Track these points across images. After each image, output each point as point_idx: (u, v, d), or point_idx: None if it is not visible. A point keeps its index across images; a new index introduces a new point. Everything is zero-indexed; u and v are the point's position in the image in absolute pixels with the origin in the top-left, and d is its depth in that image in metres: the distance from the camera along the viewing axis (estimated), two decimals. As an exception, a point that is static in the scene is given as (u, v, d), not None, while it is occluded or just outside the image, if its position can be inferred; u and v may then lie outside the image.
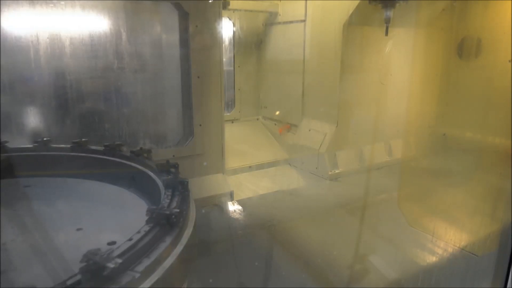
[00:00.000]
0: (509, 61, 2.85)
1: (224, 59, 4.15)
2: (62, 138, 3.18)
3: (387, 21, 3.50)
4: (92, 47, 3.30)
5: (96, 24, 3.29)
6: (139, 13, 3.49)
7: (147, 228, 1.59)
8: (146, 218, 1.68)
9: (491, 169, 2.82)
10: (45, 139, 2.65)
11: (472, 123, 3.81)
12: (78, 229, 1.88)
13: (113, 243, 1.72)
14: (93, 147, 2.62)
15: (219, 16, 3.80)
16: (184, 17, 3.60)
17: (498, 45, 3.27)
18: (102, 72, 3.39)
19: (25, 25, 3.03)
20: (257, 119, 5.86)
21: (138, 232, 1.55)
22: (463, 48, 3.73)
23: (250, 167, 4.76)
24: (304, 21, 4.89)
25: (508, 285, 1.97)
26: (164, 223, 1.65)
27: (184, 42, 3.67)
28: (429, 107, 5.02)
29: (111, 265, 1.33)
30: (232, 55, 5.54)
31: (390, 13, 3.25)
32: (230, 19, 5.25)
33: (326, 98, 4.78)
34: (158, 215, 1.66)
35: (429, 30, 4.70)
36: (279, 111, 5.51)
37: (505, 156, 2.87)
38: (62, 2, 3.12)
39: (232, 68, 5.57)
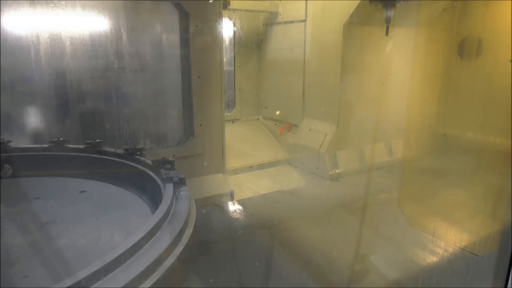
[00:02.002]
0: (510, 61, 2.84)
1: (224, 59, 4.15)
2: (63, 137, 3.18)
3: (388, 20, 3.50)
4: (93, 47, 3.30)
5: (96, 24, 3.30)
6: (139, 13, 3.49)
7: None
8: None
9: (491, 169, 2.82)
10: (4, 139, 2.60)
11: (473, 123, 3.81)
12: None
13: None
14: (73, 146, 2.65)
15: (219, 16, 3.80)
16: (184, 17, 3.61)
17: (499, 45, 3.27)
18: (103, 72, 3.40)
19: (25, 25, 3.04)
20: (258, 119, 5.86)
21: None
22: (464, 48, 3.72)
23: (250, 167, 4.76)
24: (304, 21, 4.89)
25: (509, 285, 1.97)
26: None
27: (185, 42, 3.67)
28: (430, 107, 5.02)
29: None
30: (233, 55, 5.54)
31: (390, 13, 3.25)
32: (230, 19, 5.25)
33: (326, 98, 4.78)
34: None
35: (430, 30, 4.70)
36: (280, 111, 5.51)
37: (505, 156, 2.87)
38: (63, 2, 3.13)
39: (232, 68, 5.57)
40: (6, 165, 2.39)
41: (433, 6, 4.66)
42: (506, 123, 2.86)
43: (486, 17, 3.37)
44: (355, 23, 4.29)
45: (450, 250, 2.75)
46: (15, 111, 3.15)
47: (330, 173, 4.62)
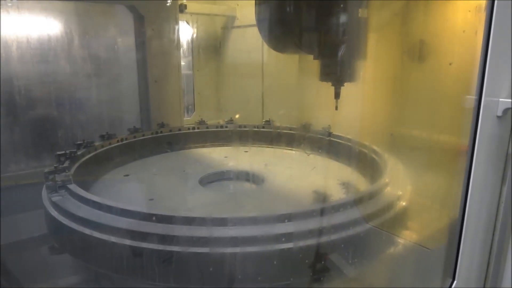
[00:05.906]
0: (450, 64, 3.03)
1: (183, 63, 4.12)
2: (13, 144, 3.04)
3: (337, 96, 3.58)
4: (42, 51, 3.16)
5: (46, 27, 3.16)
6: (91, 15, 3.39)
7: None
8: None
9: (438, 166, 2.98)
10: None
11: (423, 123, 4.02)
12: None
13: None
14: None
15: (176, 20, 3.78)
16: (139, 20, 3.55)
17: (441, 48, 3.46)
18: (53, 77, 3.26)
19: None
20: (218, 122, 5.84)
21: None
22: (411, 52, 3.92)
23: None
24: (262, 25, 4.93)
25: (456, 276, 2.10)
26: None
27: (140, 45, 3.61)
28: (384, 108, 5.22)
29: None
30: (191, 58, 5.50)
31: (339, 90, 3.35)
32: (187, 23, 5.21)
33: (285, 101, 4.85)
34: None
35: (382, 35, 4.89)
36: (239, 114, 5.52)
37: (452, 154, 3.05)
38: (9, 4, 2.97)
39: (191, 72, 5.53)
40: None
41: (385, 11, 4.85)
42: (451, 123, 3.03)
43: (428, 21, 3.57)
44: (311, 27, 4.38)
45: (404, 244, 2.87)
46: None
47: (291, 174, 4.68)
